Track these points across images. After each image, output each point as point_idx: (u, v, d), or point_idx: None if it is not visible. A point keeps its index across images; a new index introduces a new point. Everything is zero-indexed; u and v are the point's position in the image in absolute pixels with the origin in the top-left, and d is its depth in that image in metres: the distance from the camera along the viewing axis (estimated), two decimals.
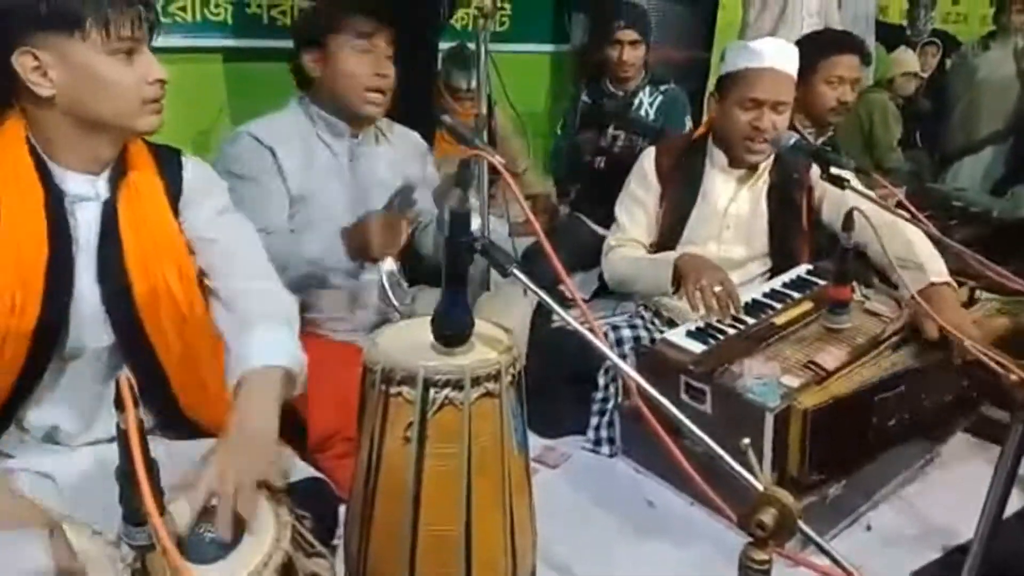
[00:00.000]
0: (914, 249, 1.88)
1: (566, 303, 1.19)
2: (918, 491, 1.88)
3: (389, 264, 1.73)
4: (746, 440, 0.88)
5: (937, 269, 1.87)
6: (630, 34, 2.96)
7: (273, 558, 1.01)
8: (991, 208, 3.91)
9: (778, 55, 2.02)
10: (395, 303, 1.72)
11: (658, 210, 2.17)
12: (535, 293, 1.07)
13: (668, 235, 2.15)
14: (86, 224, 1.22)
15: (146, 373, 1.25)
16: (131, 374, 0.87)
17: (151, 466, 0.84)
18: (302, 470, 1.37)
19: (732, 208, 2.13)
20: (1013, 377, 1.30)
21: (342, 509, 1.33)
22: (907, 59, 4.58)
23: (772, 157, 2.13)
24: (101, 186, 1.23)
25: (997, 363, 1.38)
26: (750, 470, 0.87)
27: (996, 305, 1.98)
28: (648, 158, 2.20)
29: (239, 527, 1.05)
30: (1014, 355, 1.72)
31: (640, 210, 2.18)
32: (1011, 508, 1.53)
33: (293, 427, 1.50)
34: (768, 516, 0.84)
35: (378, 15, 1.84)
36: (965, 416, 1.98)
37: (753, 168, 2.13)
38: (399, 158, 2.02)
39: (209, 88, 3.00)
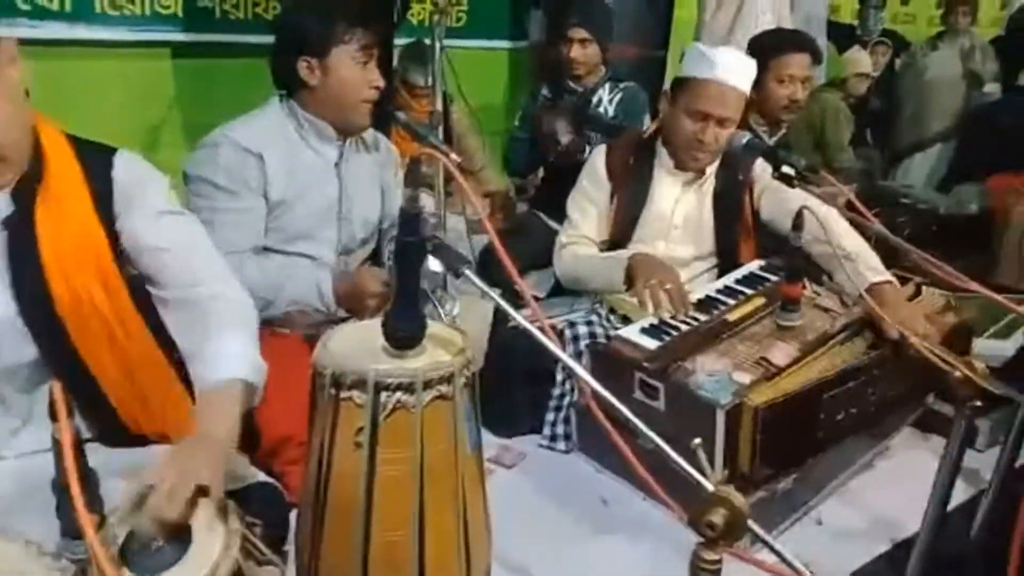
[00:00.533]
0: (850, 248, 1.92)
1: (521, 302, 1.18)
2: (866, 484, 1.92)
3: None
4: (697, 440, 0.89)
5: (875, 266, 1.92)
6: (580, 32, 2.95)
7: (222, 567, 0.99)
8: (937, 205, 4.02)
9: (733, 69, 2.03)
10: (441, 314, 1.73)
11: (609, 208, 2.18)
12: (486, 294, 1.06)
13: (619, 234, 2.17)
14: None
15: (80, 386, 1.21)
16: (63, 387, 0.84)
17: (87, 477, 0.82)
18: (253, 474, 1.35)
19: (678, 209, 2.17)
20: (957, 373, 1.33)
21: (293, 515, 1.31)
22: (860, 59, 4.67)
23: (718, 159, 2.15)
24: (2, 202, 1.17)
25: (942, 360, 1.41)
26: (700, 470, 0.88)
27: (942, 301, 2.03)
28: (599, 156, 2.21)
29: (186, 535, 1.03)
30: (959, 349, 1.77)
31: (591, 207, 2.20)
32: (956, 501, 1.58)
33: (245, 431, 1.48)
34: (718, 516, 0.85)
35: (377, 29, 1.85)
36: (912, 410, 2.03)
37: (700, 172, 2.16)
38: (378, 165, 2.04)
39: (158, 83, 2.94)
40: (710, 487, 0.86)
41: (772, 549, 0.88)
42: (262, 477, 1.37)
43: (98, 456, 1.01)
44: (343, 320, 1.90)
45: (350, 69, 1.82)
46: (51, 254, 1.18)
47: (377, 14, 1.91)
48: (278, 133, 1.86)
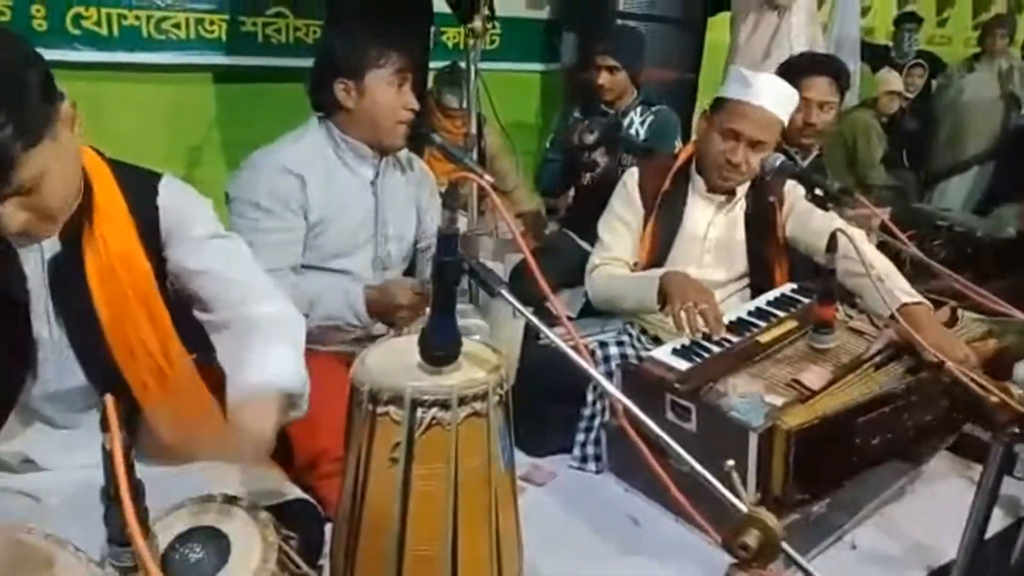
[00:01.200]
0: (881, 270, 1.90)
1: (553, 321, 1.20)
2: (901, 510, 1.89)
3: None
4: (730, 461, 0.89)
5: (906, 289, 1.90)
6: (608, 60, 2.99)
7: None
8: (975, 228, 3.97)
9: (770, 94, 2.03)
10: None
11: (641, 230, 2.19)
12: (521, 313, 1.08)
13: (653, 257, 2.17)
14: (38, 279, 1.20)
15: (124, 411, 1.24)
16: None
17: (136, 487, 0.84)
18: (290, 490, 1.37)
19: (711, 232, 2.17)
20: (993, 398, 1.32)
21: (328, 529, 1.33)
22: (890, 79, 4.65)
23: (749, 182, 2.15)
24: (47, 244, 1.20)
25: (978, 384, 1.39)
26: (734, 491, 0.88)
27: (982, 326, 2.00)
28: (632, 178, 2.22)
29: (225, 547, 1.05)
30: (1000, 376, 1.74)
31: (624, 229, 2.20)
32: (993, 528, 1.56)
33: (280, 447, 1.51)
34: (752, 538, 0.85)
35: (411, 53, 1.91)
36: (947, 435, 2.00)
37: (731, 193, 2.16)
38: (412, 184, 2.09)
39: (201, 105, 3.02)
40: (744, 508, 0.86)
41: (805, 571, 0.88)
42: (298, 492, 1.39)
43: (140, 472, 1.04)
44: (376, 337, 1.94)
45: (384, 92, 1.88)
46: (98, 287, 1.21)
47: (411, 38, 1.96)
48: (317, 154, 1.91)
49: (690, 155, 2.21)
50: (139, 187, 1.28)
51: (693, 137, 2.25)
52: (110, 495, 0.84)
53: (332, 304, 1.87)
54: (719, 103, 2.10)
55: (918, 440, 1.87)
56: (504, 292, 1.06)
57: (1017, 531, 1.53)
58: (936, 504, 1.89)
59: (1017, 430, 1.30)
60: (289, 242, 1.88)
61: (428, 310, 1.78)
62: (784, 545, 0.86)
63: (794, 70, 2.56)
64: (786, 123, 2.10)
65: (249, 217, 1.83)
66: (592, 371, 1.03)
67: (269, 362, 1.21)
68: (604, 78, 2.99)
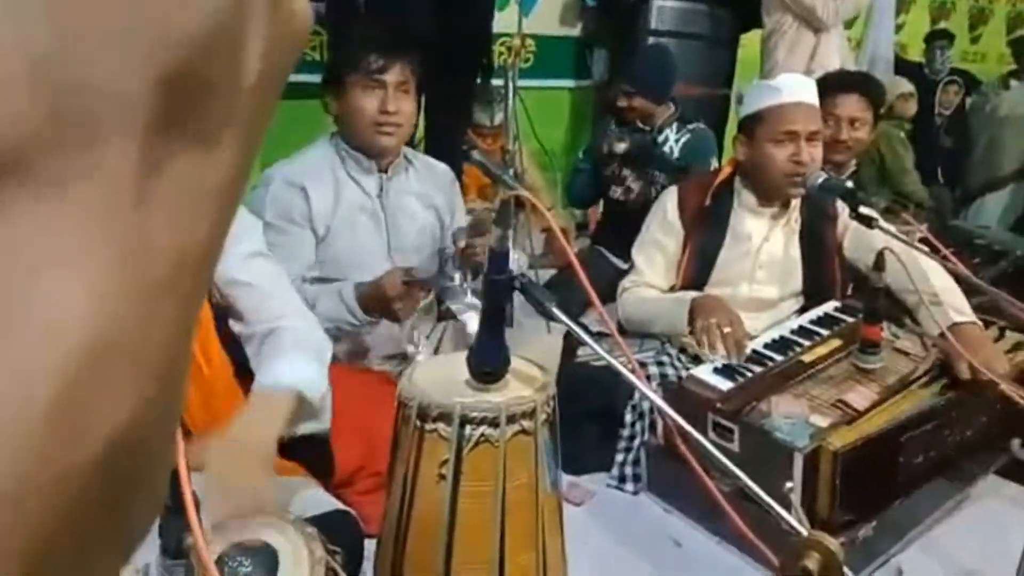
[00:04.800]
0: (936, 288, 1.87)
1: (593, 337, 1.19)
2: (949, 533, 1.85)
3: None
4: (790, 484, 0.88)
5: (960, 307, 1.86)
6: (626, 86, 2.97)
7: None
8: (1014, 247, 3.90)
9: (799, 88, 2.05)
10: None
11: (680, 253, 2.16)
12: (573, 332, 1.07)
13: (695, 277, 2.13)
14: None
15: None
16: None
17: (195, 500, 0.85)
18: (328, 503, 1.37)
19: (765, 248, 2.12)
20: None
21: (367, 544, 1.33)
22: (898, 82, 4.59)
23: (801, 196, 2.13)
24: None
25: None
26: (794, 514, 0.87)
27: (1018, 338, 1.97)
28: (671, 200, 2.19)
29: (273, 563, 1.05)
30: None
31: (659, 254, 2.18)
32: None
33: (321, 462, 1.51)
34: (812, 562, 0.83)
35: (389, 51, 1.86)
36: (994, 457, 1.96)
37: (785, 205, 2.12)
38: (427, 189, 2.06)
39: None
40: (804, 531, 0.85)
41: None
42: (338, 504, 1.39)
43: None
44: (407, 357, 1.94)
45: (359, 94, 1.86)
46: None
47: (401, 41, 1.93)
48: (323, 167, 1.92)
49: (733, 170, 2.18)
50: None
51: (727, 154, 2.22)
52: (167, 507, 0.84)
53: (327, 304, 1.84)
54: (753, 119, 2.08)
55: (962, 458, 1.84)
56: (556, 310, 1.06)
57: None
58: (983, 527, 1.85)
59: None
60: (295, 254, 1.86)
61: (423, 298, 1.78)
62: (846, 570, 0.85)
63: (824, 87, 2.55)
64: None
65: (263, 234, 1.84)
66: (645, 389, 1.03)
67: (288, 366, 1.26)
68: (624, 102, 2.99)
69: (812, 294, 2.15)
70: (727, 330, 1.85)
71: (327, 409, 1.33)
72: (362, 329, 1.89)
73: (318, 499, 1.37)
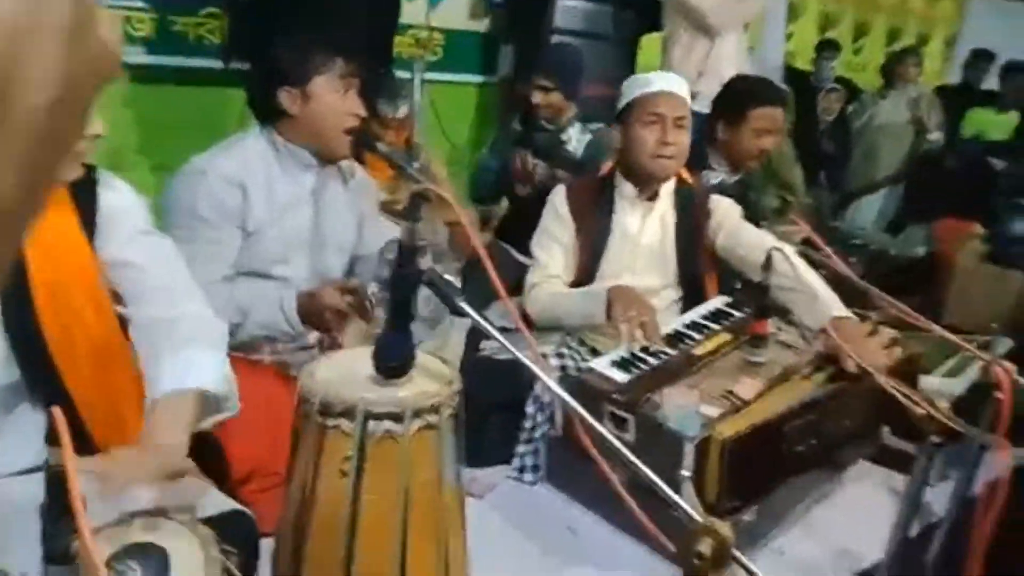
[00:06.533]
0: (815, 285, 2.00)
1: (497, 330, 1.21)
2: (824, 515, 1.97)
3: None
4: (686, 472, 0.92)
5: (836, 303, 2.00)
6: (543, 80, 3.02)
7: None
8: (887, 246, 4.18)
9: (672, 82, 2.20)
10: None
11: (574, 245, 2.24)
12: (479, 325, 1.08)
13: (584, 270, 2.23)
14: None
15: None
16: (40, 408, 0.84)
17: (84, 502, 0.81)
18: (224, 502, 1.34)
19: (643, 239, 2.25)
20: (919, 410, 1.39)
21: (263, 544, 1.31)
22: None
23: (674, 187, 2.25)
24: None
25: (905, 396, 1.47)
26: (687, 501, 0.91)
27: (892, 335, 2.11)
28: (559, 195, 2.29)
29: (164, 566, 1.02)
30: (906, 383, 1.85)
31: (556, 246, 2.26)
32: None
33: (215, 461, 1.47)
34: (705, 546, 0.88)
35: (358, 57, 1.89)
36: (866, 444, 2.10)
37: (654, 198, 2.25)
38: (354, 193, 2.06)
39: (124, 106, 2.91)
40: (699, 517, 0.89)
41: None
42: (233, 504, 1.36)
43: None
44: (307, 348, 1.91)
45: (330, 97, 1.85)
46: (40, 278, 1.17)
47: (357, 44, 1.94)
48: (259, 162, 1.88)
49: (613, 165, 2.29)
50: (80, 181, 1.26)
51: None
52: (53, 512, 0.81)
53: (265, 312, 1.83)
54: (628, 107, 2.21)
55: (840, 447, 1.96)
56: (463, 304, 1.07)
57: (930, 535, 1.62)
58: (856, 510, 1.97)
59: (939, 441, 1.37)
60: (225, 253, 1.84)
61: (362, 316, 1.79)
62: (735, 552, 0.89)
63: (749, 95, 2.65)
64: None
65: (186, 227, 1.78)
66: (547, 379, 1.05)
67: (191, 363, 1.22)
68: (539, 97, 3.02)
69: (687, 283, 2.29)
70: (645, 320, 1.93)
71: (234, 395, 1.30)
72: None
73: (213, 499, 1.33)
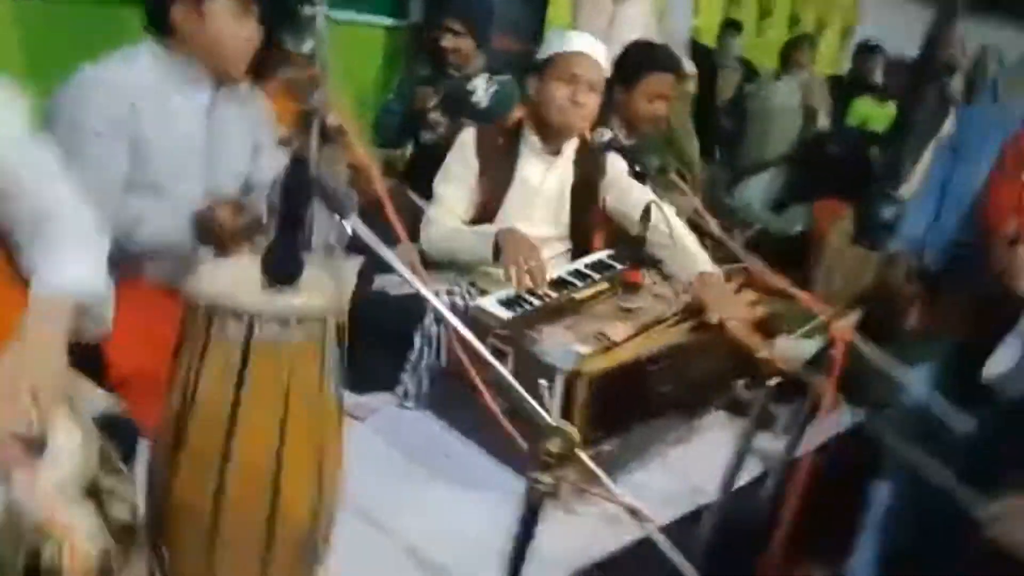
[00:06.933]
0: (687, 242, 2.17)
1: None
2: (680, 455, 2.14)
3: None
4: (544, 381, 1.02)
5: (706, 260, 2.17)
6: (456, 24, 3.04)
7: (79, 459, 1.03)
8: (768, 223, 4.46)
9: (594, 46, 2.28)
10: None
11: (476, 187, 2.31)
12: (370, 244, 1.14)
13: (484, 212, 2.30)
14: None
15: None
16: None
17: None
18: (102, 399, 1.35)
19: (542, 190, 2.34)
20: (762, 353, 1.55)
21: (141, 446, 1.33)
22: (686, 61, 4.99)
23: (576, 146, 2.35)
24: None
25: (751, 341, 1.63)
26: (543, 407, 1.02)
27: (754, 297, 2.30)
28: (468, 136, 2.34)
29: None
30: (764, 337, 2.03)
31: (459, 185, 2.31)
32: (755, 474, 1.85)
33: (92, 366, 1.47)
34: (555, 445, 0.99)
35: None
36: (721, 394, 2.27)
37: (557, 152, 2.34)
38: (251, 119, 2.03)
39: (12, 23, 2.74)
40: (549, 420, 1.00)
41: (599, 474, 1.03)
42: (113, 406, 1.37)
43: None
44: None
45: (225, 20, 1.81)
46: None
47: None
48: (149, 74, 1.83)
49: (522, 116, 2.37)
50: None
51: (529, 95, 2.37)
52: None
53: (156, 224, 1.80)
54: (547, 61, 2.27)
55: (696, 393, 2.14)
56: (356, 219, 1.12)
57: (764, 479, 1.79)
58: (710, 453, 2.14)
59: (777, 382, 1.53)
60: (114, 166, 1.79)
61: (257, 235, 1.79)
62: (580, 453, 1.01)
63: (639, 61, 2.74)
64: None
65: (74, 140, 1.74)
66: (441, 307, 1.13)
67: (65, 267, 1.20)
68: (450, 41, 3.03)
69: (577, 235, 2.42)
70: (532, 264, 2.04)
71: (110, 307, 1.30)
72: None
73: (91, 401, 1.34)
